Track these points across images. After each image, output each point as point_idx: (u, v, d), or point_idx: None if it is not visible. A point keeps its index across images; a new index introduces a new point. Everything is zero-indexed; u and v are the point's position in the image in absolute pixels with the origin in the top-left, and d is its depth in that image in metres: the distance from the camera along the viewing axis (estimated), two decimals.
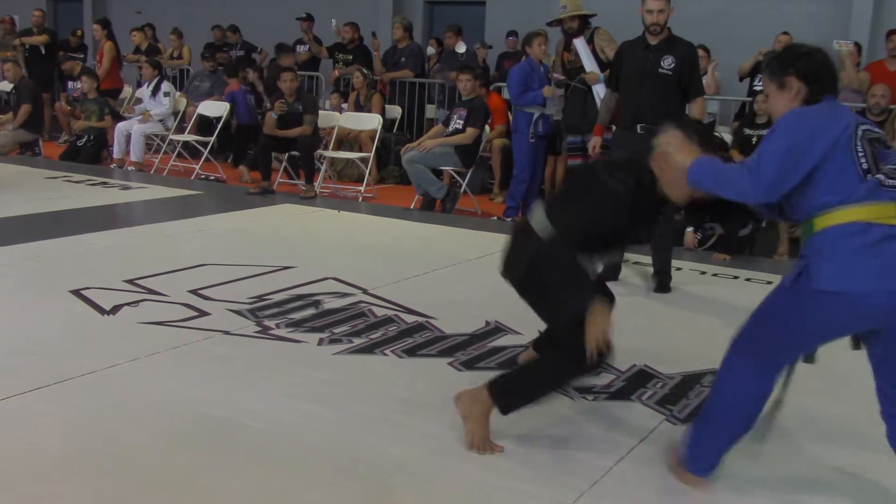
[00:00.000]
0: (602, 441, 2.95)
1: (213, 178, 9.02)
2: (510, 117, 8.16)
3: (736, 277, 5.52)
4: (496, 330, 4.08)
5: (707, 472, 2.62)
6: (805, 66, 2.43)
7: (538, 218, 2.74)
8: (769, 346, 2.47)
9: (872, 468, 2.82)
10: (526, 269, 2.76)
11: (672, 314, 4.64)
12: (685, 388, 3.46)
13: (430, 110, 9.73)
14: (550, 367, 2.83)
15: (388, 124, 9.19)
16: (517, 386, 2.85)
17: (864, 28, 9.47)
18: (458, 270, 5.32)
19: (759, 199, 2.42)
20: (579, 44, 6.56)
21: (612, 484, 2.65)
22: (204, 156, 9.11)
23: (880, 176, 2.29)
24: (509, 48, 10.08)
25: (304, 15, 10.89)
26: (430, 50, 10.51)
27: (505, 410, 2.82)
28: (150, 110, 9.44)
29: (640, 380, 3.54)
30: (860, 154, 2.30)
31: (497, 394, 2.81)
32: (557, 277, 2.65)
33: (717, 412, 2.57)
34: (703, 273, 5.59)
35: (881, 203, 2.28)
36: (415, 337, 3.94)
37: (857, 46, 8.29)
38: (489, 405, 2.81)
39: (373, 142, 8.59)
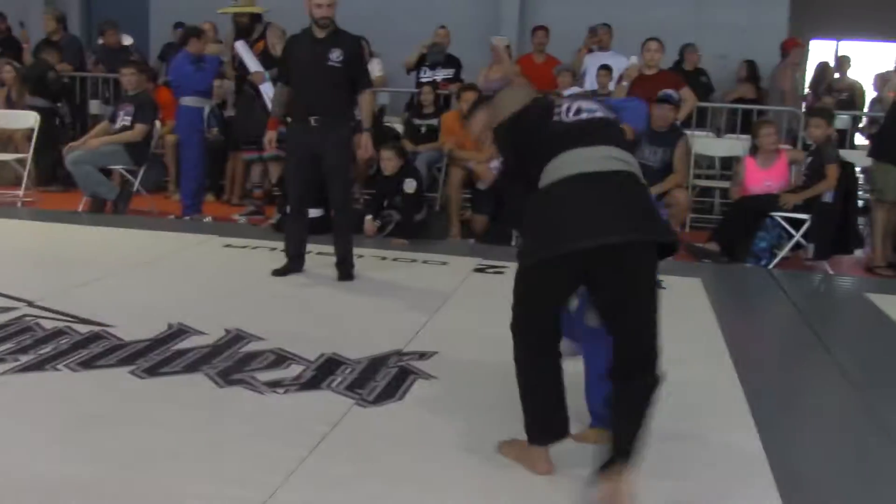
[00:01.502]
0: (294, 432, 2.97)
1: None
2: None
3: (414, 261, 5.80)
4: (180, 332, 3.95)
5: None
6: None
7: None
8: None
9: None
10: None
11: (356, 301, 4.77)
12: (373, 372, 3.58)
13: (94, 106, 9.14)
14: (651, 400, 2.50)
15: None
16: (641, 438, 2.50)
17: (512, 25, 10.34)
18: (135, 274, 5.07)
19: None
20: (240, 46, 6.52)
21: (308, 474, 2.69)
22: None
23: None
24: (176, 40, 9.71)
25: None
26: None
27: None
28: None
29: (329, 368, 3.61)
30: None
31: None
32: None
33: None
34: (384, 259, 5.81)
35: None
36: (90, 348, 3.69)
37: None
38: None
39: (29, 141, 7.88)
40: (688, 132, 6.75)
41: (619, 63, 8.54)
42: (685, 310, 4.87)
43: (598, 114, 2.60)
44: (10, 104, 8.35)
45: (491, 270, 5.61)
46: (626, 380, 2.50)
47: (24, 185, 7.62)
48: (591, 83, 8.45)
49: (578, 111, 2.58)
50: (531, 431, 2.72)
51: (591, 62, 8.59)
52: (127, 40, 9.26)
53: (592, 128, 2.54)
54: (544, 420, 2.71)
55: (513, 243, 6.57)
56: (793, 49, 9.19)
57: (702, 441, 3.06)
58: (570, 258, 2.41)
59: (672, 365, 3.66)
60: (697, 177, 8.25)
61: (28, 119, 7.94)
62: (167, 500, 2.50)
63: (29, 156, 7.80)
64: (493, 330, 4.22)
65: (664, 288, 5.27)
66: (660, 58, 7.24)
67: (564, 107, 2.60)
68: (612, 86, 8.32)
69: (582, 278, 2.53)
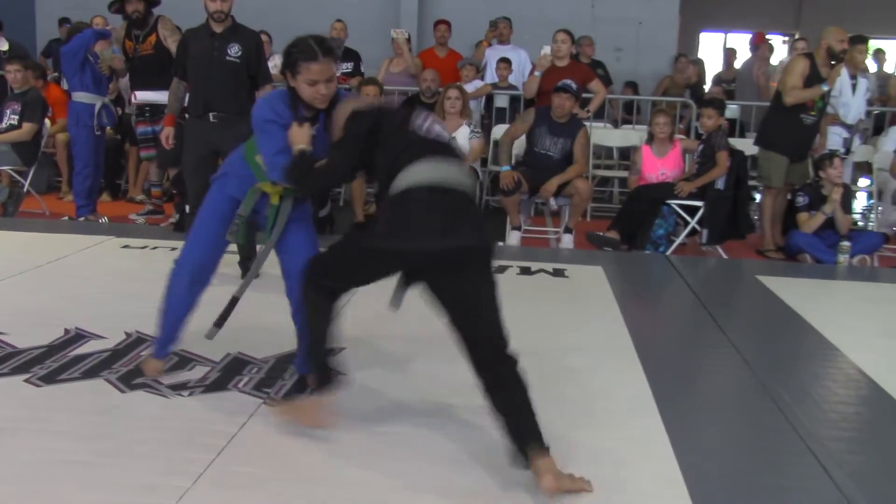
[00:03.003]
0: (201, 435, 2.92)
1: None
2: None
3: None
4: (78, 337, 3.83)
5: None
6: None
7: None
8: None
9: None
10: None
11: (260, 299, 4.70)
12: (280, 370, 3.55)
13: None
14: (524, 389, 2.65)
15: None
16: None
17: (412, 18, 10.36)
18: (28, 278, 4.88)
19: None
20: None
21: (216, 476, 2.65)
22: None
23: None
24: (62, 35, 9.36)
25: None
26: None
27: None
28: None
29: (235, 368, 3.56)
30: None
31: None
32: None
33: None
34: None
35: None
36: None
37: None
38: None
39: None
40: (586, 123, 6.90)
41: (519, 56, 8.67)
42: (588, 298, 5.00)
43: (446, 136, 2.89)
44: None
45: None
46: (491, 371, 2.66)
47: None
48: (491, 76, 8.55)
49: (430, 129, 2.84)
50: (323, 380, 2.91)
51: (492, 55, 8.68)
52: (3, 45, 8.77)
53: (445, 147, 2.82)
54: (330, 369, 2.92)
55: None
56: (761, 44, 9.73)
57: (606, 425, 3.14)
58: (417, 255, 2.65)
59: (576, 352, 3.76)
60: (596, 167, 8.46)
61: None
62: None
63: None
64: (403, 324, 4.28)
65: (566, 277, 5.42)
66: (568, 49, 7.37)
67: (420, 120, 2.84)
68: (511, 78, 8.44)
69: (412, 274, 2.77)
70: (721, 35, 14.41)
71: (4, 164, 7.00)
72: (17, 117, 6.99)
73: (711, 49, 13.97)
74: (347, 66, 8.53)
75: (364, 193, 7.00)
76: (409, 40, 8.96)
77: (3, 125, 7.00)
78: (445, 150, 2.80)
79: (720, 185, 6.50)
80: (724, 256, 6.65)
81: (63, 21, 9.52)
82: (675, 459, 2.87)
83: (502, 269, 5.56)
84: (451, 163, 2.75)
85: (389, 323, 4.06)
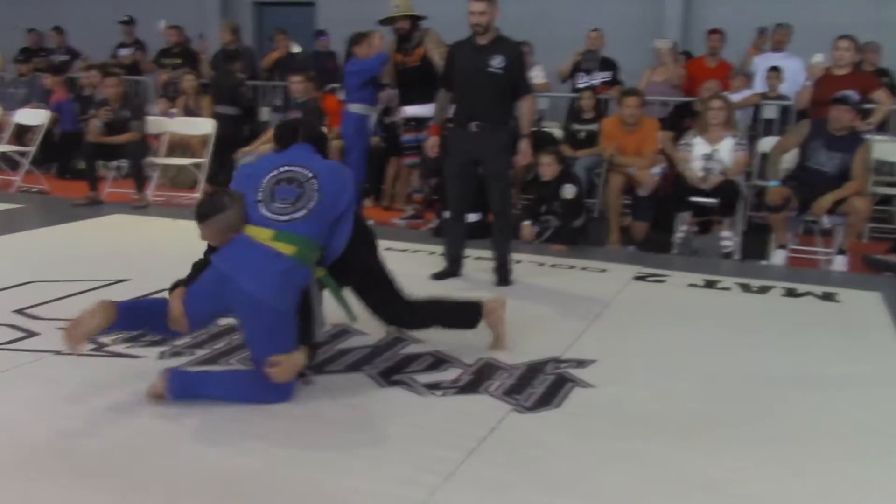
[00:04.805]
0: (453, 435, 2.99)
1: (35, 189, 8.51)
2: None
3: (572, 267, 5.74)
4: (342, 332, 4.05)
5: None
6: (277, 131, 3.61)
7: None
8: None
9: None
10: None
11: (514, 306, 4.74)
12: (530, 378, 3.56)
13: (265, 113, 9.56)
14: None
15: None
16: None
17: (675, 27, 10.06)
18: None
19: None
20: None
21: (466, 477, 2.70)
22: (24, 167, 8.59)
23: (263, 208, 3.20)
24: (320, 48, 10.01)
25: (126, 18, 10.46)
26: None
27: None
28: None
29: (486, 372, 3.62)
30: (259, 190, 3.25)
31: None
32: None
33: None
34: (542, 264, 5.78)
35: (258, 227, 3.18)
36: None
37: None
38: None
39: (205, 147, 8.34)
40: (867, 136, 6.35)
41: (792, 65, 8.16)
42: (862, 326, 4.60)
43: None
44: (188, 112, 8.87)
45: (651, 279, 5.47)
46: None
47: (201, 189, 8.07)
48: (760, 85, 8.12)
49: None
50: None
51: (761, 63, 8.24)
52: (295, 48, 9.60)
53: None
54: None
55: (674, 250, 6.39)
56: None
57: (875, 458, 2.86)
58: None
59: (844, 384, 3.45)
60: (877, 184, 7.76)
61: (205, 126, 8.39)
62: (329, 495, 2.57)
63: (206, 160, 8.24)
64: (654, 340, 4.15)
65: (837, 301, 5.01)
66: (851, 57, 6.84)
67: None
68: (783, 88, 7.97)
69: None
70: None
71: None
72: None
73: None
74: (606, 76, 8.44)
75: (620, 205, 6.87)
76: (672, 49, 8.72)
77: None
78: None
79: None
80: None
81: (319, 33, 10.09)
82: None
83: (765, 289, 5.25)
84: None
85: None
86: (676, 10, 10.16)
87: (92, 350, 3.67)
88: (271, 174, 3.29)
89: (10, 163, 8.84)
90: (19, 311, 4.23)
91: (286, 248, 3.15)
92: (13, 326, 4.00)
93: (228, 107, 8.64)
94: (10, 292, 4.58)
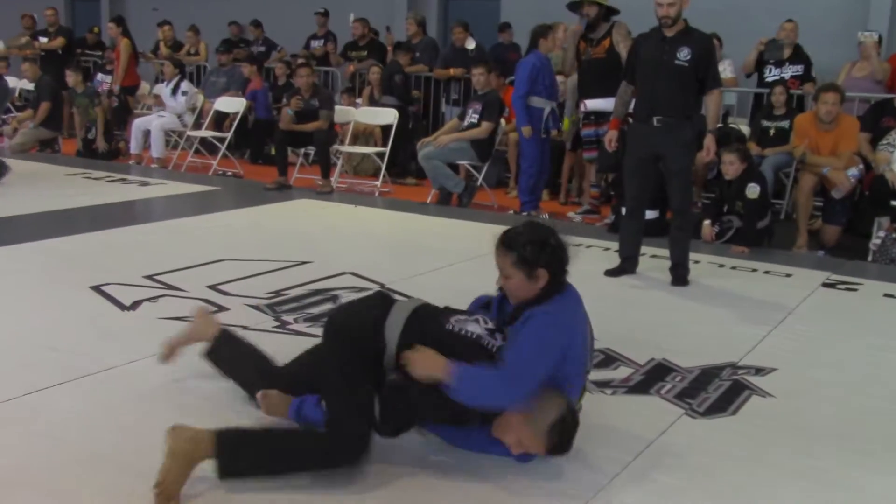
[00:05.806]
0: (621, 435, 2.94)
1: (230, 173, 9.05)
2: None
3: (754, 270, 5.49)
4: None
5: None
6: (551, 261, 2.72)
7: None
8: None
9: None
10: None
11: (690, 307, 4.62)
12: (704, 382, 3.45)
13: (441, 105, 9.70)
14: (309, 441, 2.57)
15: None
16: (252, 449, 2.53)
17: (883, 19, 9.37)
18: (475, 265, 5.31)
19: (514, 404, 2.55)
20: None
21: (631, 479, 2.65)
22: (221, 152, 9.15)
23: None
24: (503, 40, 9.99)
25: (321, 10, 10.92)
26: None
27: (224, 473, 2.45)
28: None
29: (658, 374, 3.53)
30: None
31: (222, 449, 2.44)
32: None
33: None
34: (722, 266, 5.57)
35: None
36: None
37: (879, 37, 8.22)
38: (205, 455, 2.43)
39: (387, 136, 8.59)
40: None
41: None
42: None
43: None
44: (373, 102, 9.16)
45: (842, 286, 5.15)
46: None
47: (381, 177, 8.32)
48: None
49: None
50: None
51: None
52: (470, 44, 9.59)
53: None
54: None
55: (869, 257, 5.99)
56: None
57: None
58: None
59: None
60: None
61: (388, 115, 8.64)
62: (497, 492, 2.58)
63: (387, 150, 8.49)
64: (841, 352, 3.91)
65: None
66: None
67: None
68: None
69: None
70: None
71: (463, 159, 7.69)
72: (477, 116, 7.63)
73: None
74: (797, 69, 7.99)
75: (810, 207, 6.51)
76: (879, 43, 8.13)
77: (465, 123, 7.69)
78: None
79: None
80: None
81: (503, 26, 10.07)
82: None
83: None
84: None
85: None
86: (885, 2, 9.45)
87: (275, 327, 3.87)
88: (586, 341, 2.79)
89: (209, 147, 9.44)
90: (213, 287, 4.51)
91: None
92: (207, 301, 4.27)
93: (389, 97, 8.85)
94: (205, 269, 4.90)
